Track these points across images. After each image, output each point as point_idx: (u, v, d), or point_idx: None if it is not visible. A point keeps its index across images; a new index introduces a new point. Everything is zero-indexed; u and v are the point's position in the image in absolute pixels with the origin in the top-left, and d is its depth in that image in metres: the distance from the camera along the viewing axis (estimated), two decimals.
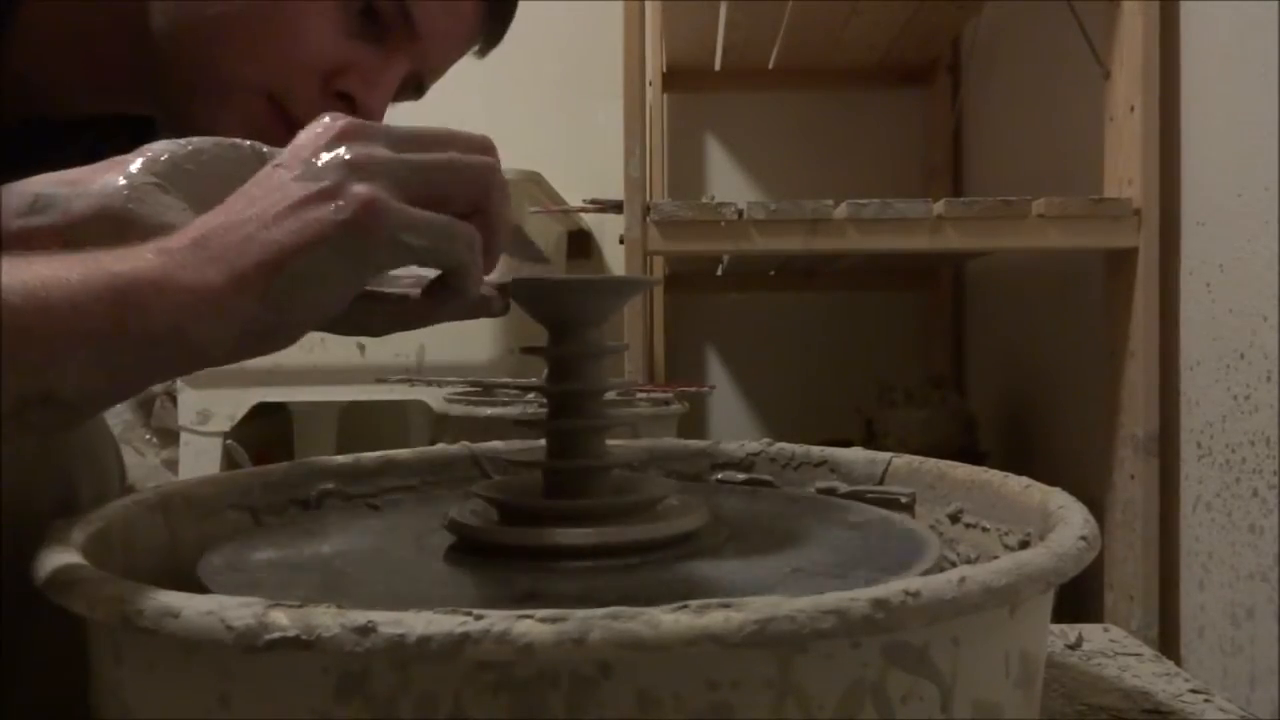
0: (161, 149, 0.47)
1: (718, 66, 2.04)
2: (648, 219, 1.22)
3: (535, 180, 1.64)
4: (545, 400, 0.51)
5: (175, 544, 0.51)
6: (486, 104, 2.16)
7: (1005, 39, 1.80)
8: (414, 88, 0.67)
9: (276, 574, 0.44)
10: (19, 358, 0.36)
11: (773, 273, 2.00)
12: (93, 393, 0.38)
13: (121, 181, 0.46)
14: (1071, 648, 0.70)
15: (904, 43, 1.92)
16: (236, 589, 0.41)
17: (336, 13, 0.60)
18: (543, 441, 0.51)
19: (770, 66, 2.03)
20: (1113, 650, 0.70)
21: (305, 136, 0.42)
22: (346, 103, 0.61)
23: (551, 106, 2.16)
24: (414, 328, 0.47)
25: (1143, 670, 0.65)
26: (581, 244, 2.11)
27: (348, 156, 0.40)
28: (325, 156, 0.41)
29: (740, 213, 1.20)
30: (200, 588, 0.43)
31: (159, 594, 0.32)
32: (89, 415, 0.41)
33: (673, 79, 2.07)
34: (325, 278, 0.39)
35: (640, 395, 1.21)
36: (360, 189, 0.39)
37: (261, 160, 0.49)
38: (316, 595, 0.40)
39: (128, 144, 0.55)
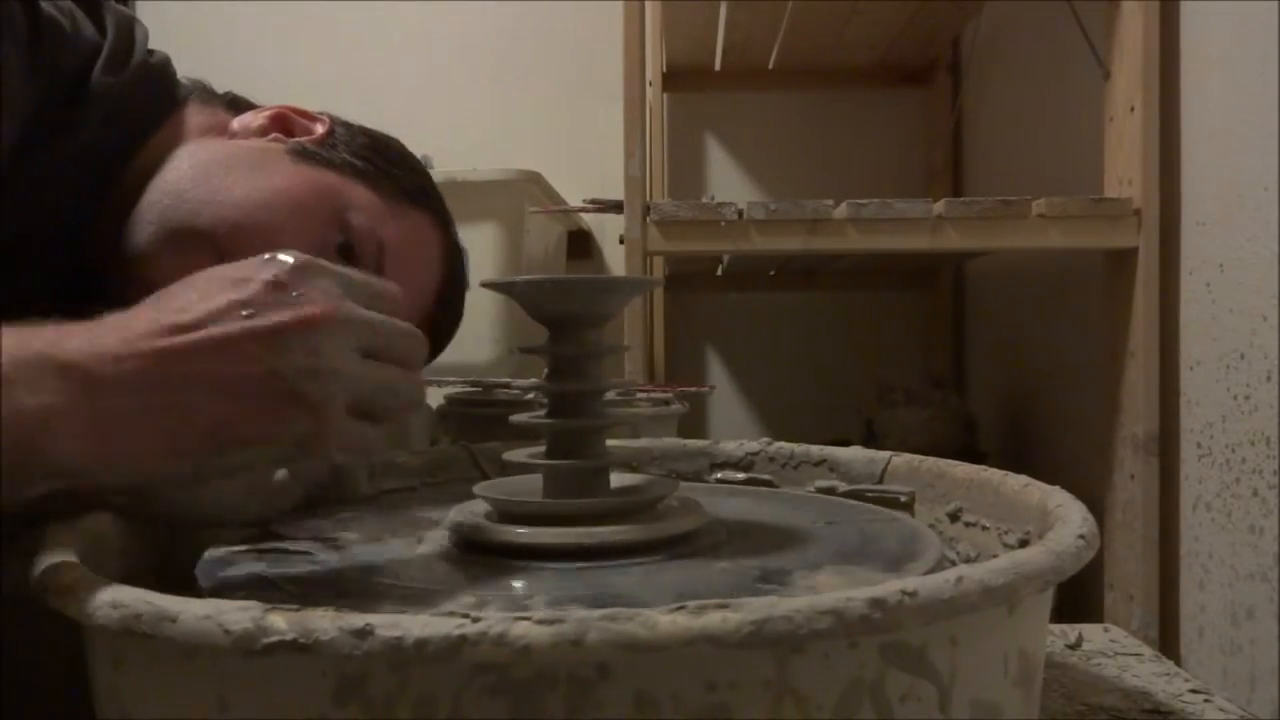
0: None
1: (718, 66, 2.04)
2: (648, 219, 1.22)
3: (535, 180, 1.64)
4: (545, 400, 0.51)
5: (174, 546, 0.51)
6: (487, 104, 2.16)
7: (1005, 39, 1.80)
8: None
9: (275, 576, 0.44)
10: None
11: (773, 273, 2.00)
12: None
13: None
14: (1071, 648, 0.70)
15: (904, 43, 1.92)
16: (235, 592, 0.41)
17: (315, 239, 0.64)
18: (542, 442, 0.51)
19: (770, 66, 2.03)
20: (1113, 650, 0.70)
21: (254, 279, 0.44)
22: None
23: (551, 106, 2.16)
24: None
25: (1143, 670, 0.65)
26: (581, 244, 2.11)
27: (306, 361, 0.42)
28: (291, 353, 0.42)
29: (740, 213, 1.20)
30: (199, 591, 0.43)
31: (156, 598, 0.31)
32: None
33: (673, 79, 2.07)
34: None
35: (640, 395, 1.21)
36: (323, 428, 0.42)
37: None
38: (315, 597, 0.40)
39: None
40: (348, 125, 0.73)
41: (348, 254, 0.66)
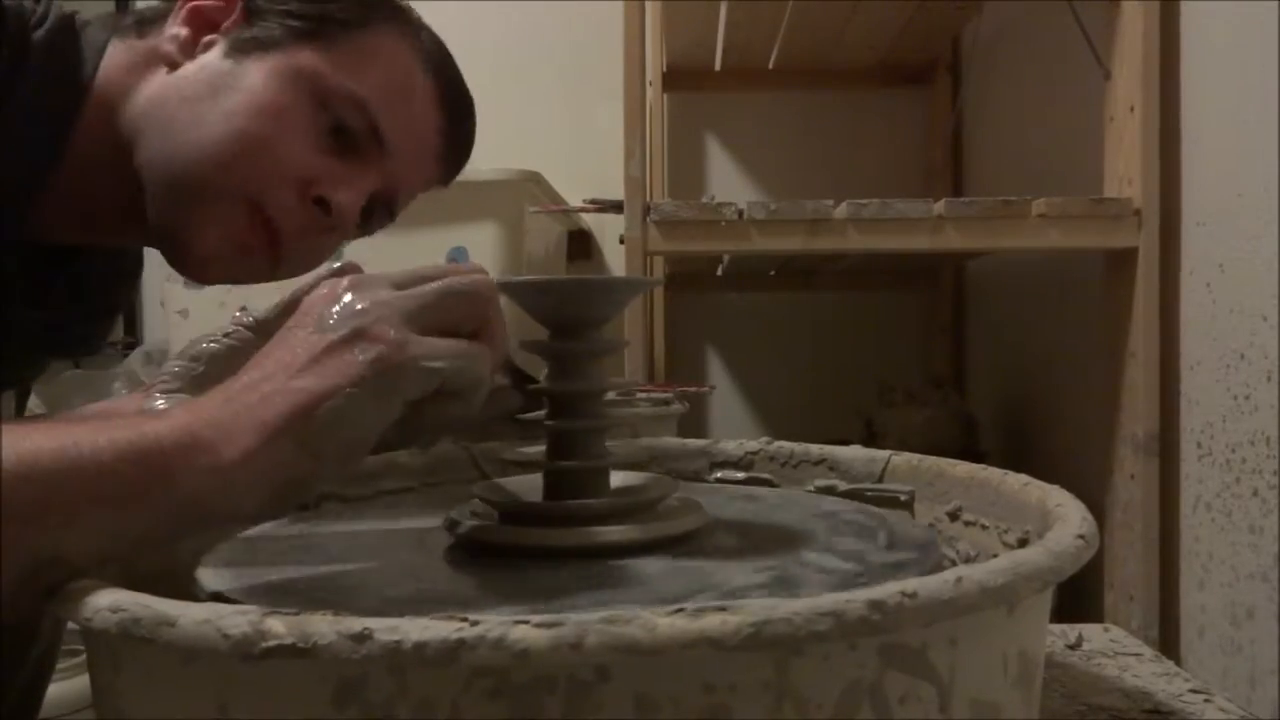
0: (167, 368, 0.52)
1: (718, 66, 2.04)
2: (648, 219, 1.22)
3: (535, 180, 1.64)
4: (545, 400, 0.51)
5: (174, 549, 0.50)
6: (487, 104, 2.16)
7: (1005, 39, 1.79)
8: (387, 212, 0.73)
9: (275, 579, 0.44)
10: (40, 519, 0.36)
11: (773, 273, 2.00)
12: (101, 555, 0.38)
13: (158, 403, 0.49)
14: (1071, 648, 0.70)
15: (904, 43, 1.92)
16: (235, 595, 0.41)
17: (310, 132, 0.65)
18: (542, 442, 0.51)
19: (770, 66, 2.03)
20: (1113, 650, 0.70)
21: (314, 297, 0.45)
22: (322, 207, 0.66)
23: (551, 106, 2.16)
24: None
25: (1143, 670, 0.65)
26: (581, 244, 2.11)
27: (360, 305, 0.43)
28: (338, 307, 0.43)
29: (740, 213, 1.20)
30: (200, 594, 0.43)
31: (155, 602, 0.31)
32: (90, 573, 0.38)
33: (673, 79, 2.07)
34: (358, 417, 0.41)
35: (640, 395, 1.21)
36: (381, 329, 0.41)
37: (255, 336, 0.52)
38: (315, 600, 0.40)
39: (109, 271, 0.71)
40: None
41: (341, 132, 0.66)
